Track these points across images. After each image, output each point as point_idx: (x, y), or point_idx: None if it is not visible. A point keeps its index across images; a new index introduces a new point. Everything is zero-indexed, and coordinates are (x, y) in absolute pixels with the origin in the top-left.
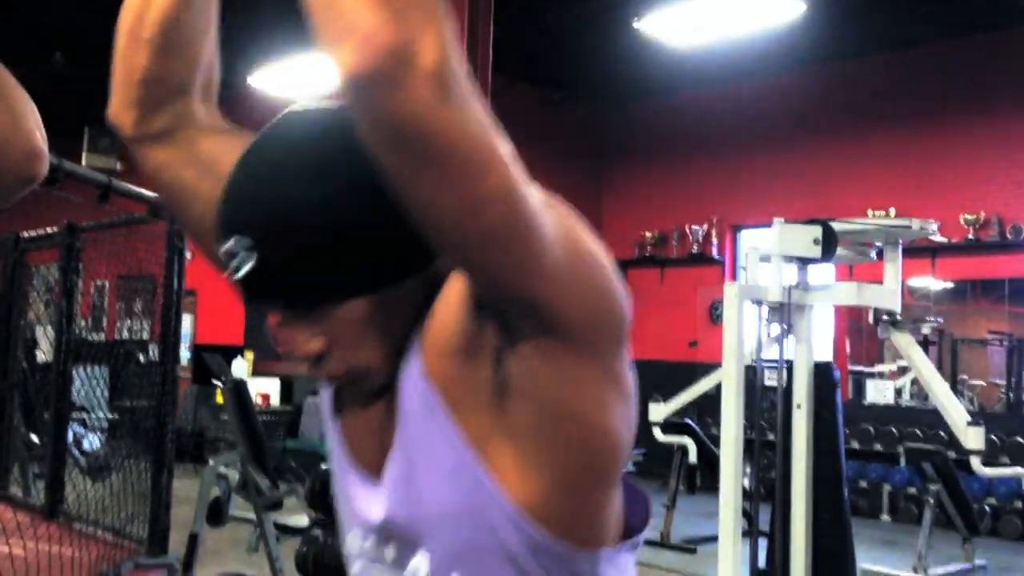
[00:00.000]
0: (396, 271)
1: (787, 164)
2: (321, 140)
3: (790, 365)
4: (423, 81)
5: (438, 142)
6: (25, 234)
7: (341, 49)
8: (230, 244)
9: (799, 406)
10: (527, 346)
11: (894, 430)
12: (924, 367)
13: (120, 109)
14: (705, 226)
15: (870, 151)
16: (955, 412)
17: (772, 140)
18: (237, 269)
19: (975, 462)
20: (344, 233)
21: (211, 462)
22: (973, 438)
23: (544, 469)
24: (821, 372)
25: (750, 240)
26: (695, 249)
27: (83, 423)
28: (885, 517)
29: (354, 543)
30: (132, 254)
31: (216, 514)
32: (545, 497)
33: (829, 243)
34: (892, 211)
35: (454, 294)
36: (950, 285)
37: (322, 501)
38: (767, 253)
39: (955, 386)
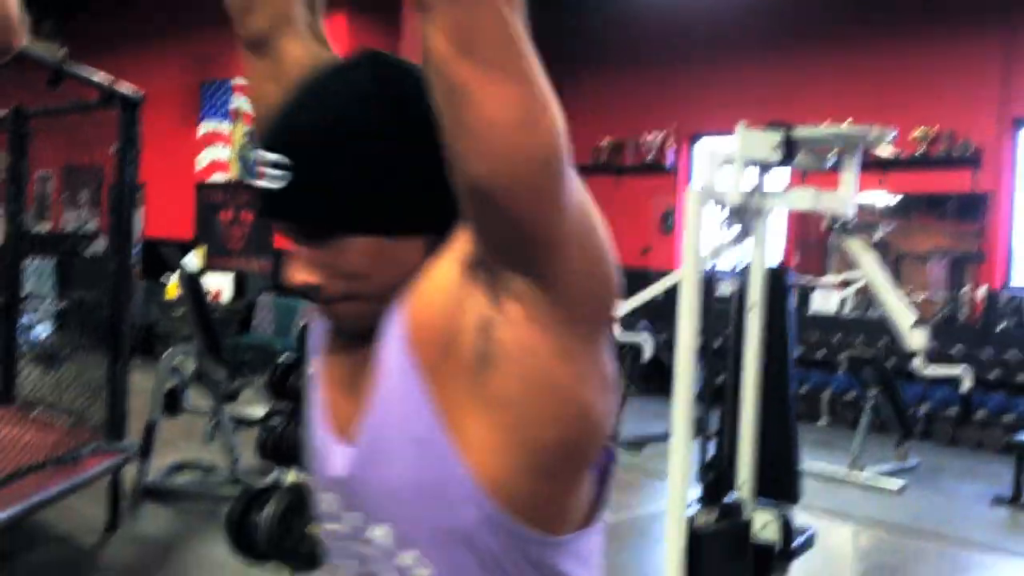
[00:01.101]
0: (413, 222)
1: (744, 75)
2: (380, 83)
3: (745, 269)
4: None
5: (512, 47)
6: None
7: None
8: (266, 156)
9: (752, 307)
10: (518, 311)
11: (835, 340)
12: (874, 272)
13: (231, 10)
14: (662, 134)
15: (826, 64)
16: (901, 314)
17: (730, 50)
18: (267, 180)
19: (918, 361)
20: (375, 172)
21: (166, 354)
22: (917, 338)
23: (516, 447)
24: (775, 276)
25: (708, 147)
26: (650, 158)
27: (33, 312)
28: (823, 422)
29: (322, 505)
30: (81, 144)
31: (172, 404)
32: (512, 476)
33: (790, 148)
34: (847, 123)
35: (448, 259)
36: (897, 200)
37: (282, 388)
38: (729, 157)
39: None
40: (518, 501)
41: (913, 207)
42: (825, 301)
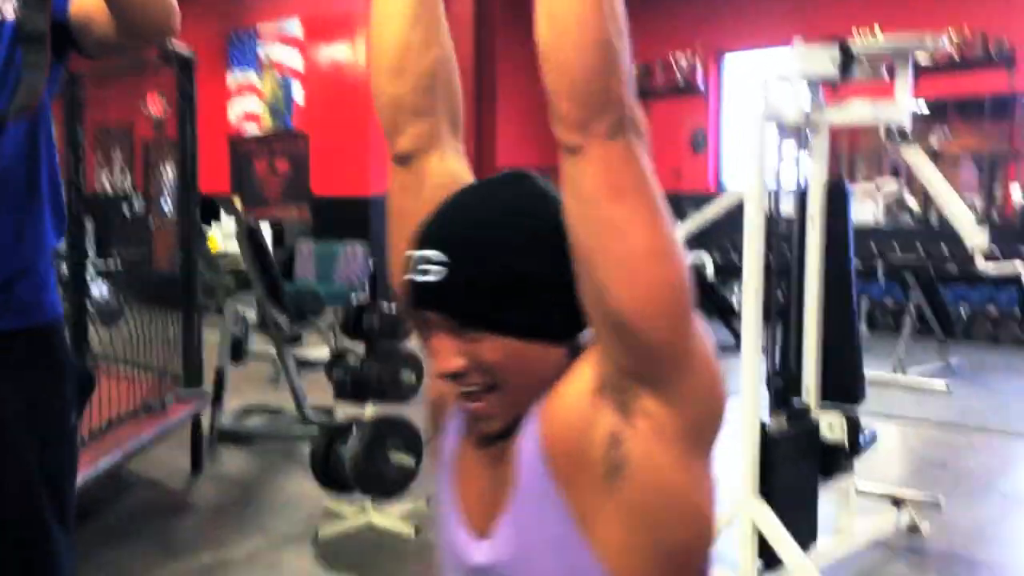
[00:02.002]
0: (550, 330)
1: None
2: (527, 200)
3: (803, 186)
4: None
5: (649, 185)
6: None
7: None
8: (424, 253)
9: (813, 220)
10: (646, 426)
11: (871, 249)
12: (934, 176)
13: (385, 131)
14: (690, 55)
15: None
16: (961, 213)
17: None
18: (422, 274)
19: (979, 259)
20: (522, 279)
21: (228, 303)
22: (980, 237)
23: (646, 548)
24: (834, 188)
25: (737, 65)
26: (680, 81)
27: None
28: (863, 329)
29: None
30: (112, 104)
31: (236, 352)
32: (638, 574)
33: (847, 62)
34: (876, 27)
35: (579, 377)
36: (931, 105)
37: (357, 329)
38: (785, 75)
39: (927, 201)
40: None
41: (946, 111)
42: (857, 211)
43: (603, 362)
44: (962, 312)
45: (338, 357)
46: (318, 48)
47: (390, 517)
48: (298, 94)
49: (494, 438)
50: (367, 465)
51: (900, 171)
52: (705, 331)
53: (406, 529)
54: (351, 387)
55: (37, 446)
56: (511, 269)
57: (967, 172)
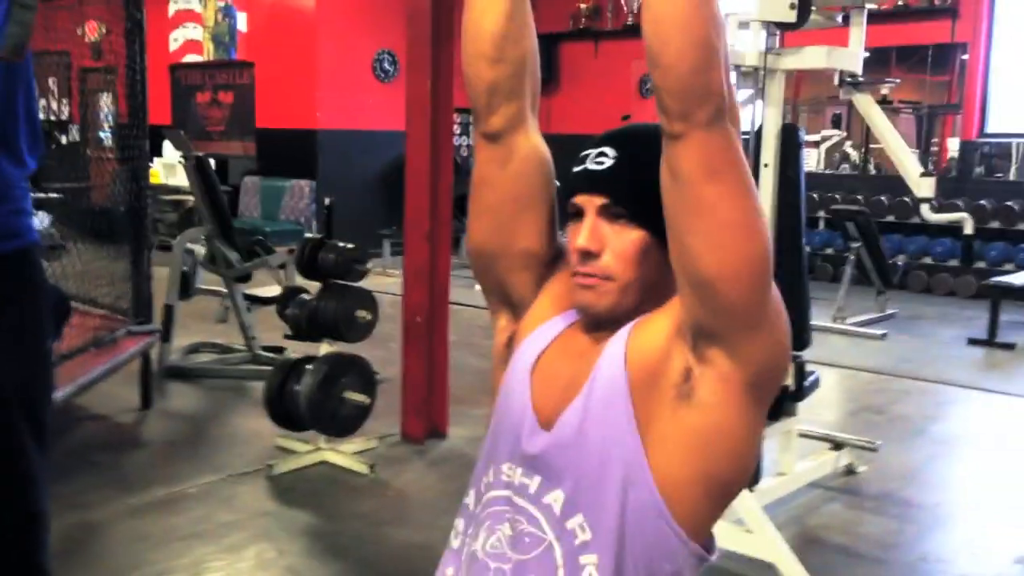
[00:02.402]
0: None
1: None
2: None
3: (757, 130)
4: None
5: (740, 166)
6: None
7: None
8: (601, 148)
9: (766, 165)
10: (713, 372)
11: (815, 195)
12: (884, 126)
13: (477, 110)
14: None
15: None
16: (910, 164)
17: None
18: (598, 164)
19: (924, 208)
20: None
21: (178, 238)
22: (926, 187)
23: (686, 465)
24: (787, 133)
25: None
26: (630, 20)
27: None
28: None
29: (499, 475)
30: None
31: (185, 288)
32: (676, 483)
33: (804, 8)
34: None
35: (668, 313)
36: (873, 52)
37: (312, 266)
38: (745, 19)
39: (867, 152)
40: (680, 505)
41: (887, 59)
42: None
43: (684, 311)
44: (898, 262)
45: (291, 295)
46: None
47: (344, 455)
48: (243, 23)
49: (592, 327)
50: (321, 402)
51: (841, 121)
52: (780, 303)
53: (360, 466)
54: (306, 325)
55: (15, 367)
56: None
57: (906, 123)
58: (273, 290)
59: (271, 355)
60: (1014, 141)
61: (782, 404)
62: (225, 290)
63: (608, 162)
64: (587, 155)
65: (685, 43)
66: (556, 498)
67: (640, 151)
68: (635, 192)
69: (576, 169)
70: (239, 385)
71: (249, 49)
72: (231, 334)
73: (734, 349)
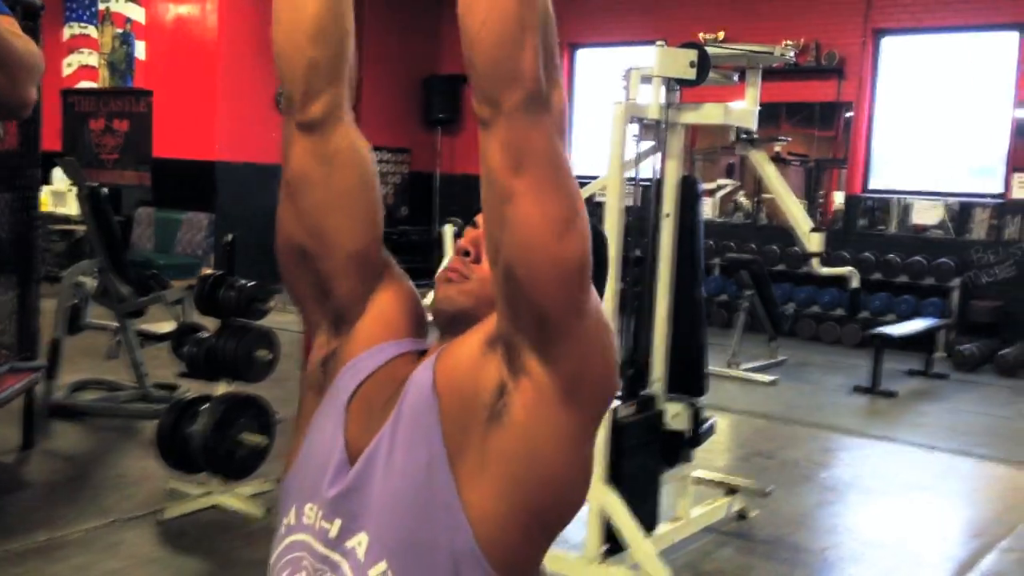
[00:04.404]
0: None
1: None
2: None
3: (658, 181)
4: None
5: (553, 164)
6: None
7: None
8: None
9: (667, 214)
10: (528, 385)
11: (710, 243)
12: (776, 181)
13: (292, 97)
14: None
15: None
16: (802, 220)
17: None
18: None
19: (815, 262)
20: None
21: (68, 271)
22: (816, 242)
23: (503, 499)
24: (687, 184)
25: (589, 60)
26: None
27: None
28: None
29: (298, 517)
30: None
31: (74, 323)
32: (493, 522)
33: (703, 66)
34: (721, 34)
35: (482, 326)
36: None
37: (211, 302)
38: (648, 74)
39: (759, 202)
40: (494, 544)
41: (778, 115)
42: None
43: (499, 317)
44: (788, 311)
45: (187, 332)
46: (162, 1)
47: (239, 498)
48: (141, 50)
49: (448, 325)
50: (217, 444)
51: (735, 171)
52: (602, 312)
53: (255, 510)
54: (203, 363)
55: None
56: None
57: (795, 174)
58: (167, 326)
59: (163, 393)
60: (894, 197)
61: (679, 450)
62: (116, 325)
63: None
64: None
65: (491, 13)
66: (360, 541)
67: None
68: None
69: None
70: (128, 425)
71: (147, 77)
72: (121, 371)
73: (546, 354)
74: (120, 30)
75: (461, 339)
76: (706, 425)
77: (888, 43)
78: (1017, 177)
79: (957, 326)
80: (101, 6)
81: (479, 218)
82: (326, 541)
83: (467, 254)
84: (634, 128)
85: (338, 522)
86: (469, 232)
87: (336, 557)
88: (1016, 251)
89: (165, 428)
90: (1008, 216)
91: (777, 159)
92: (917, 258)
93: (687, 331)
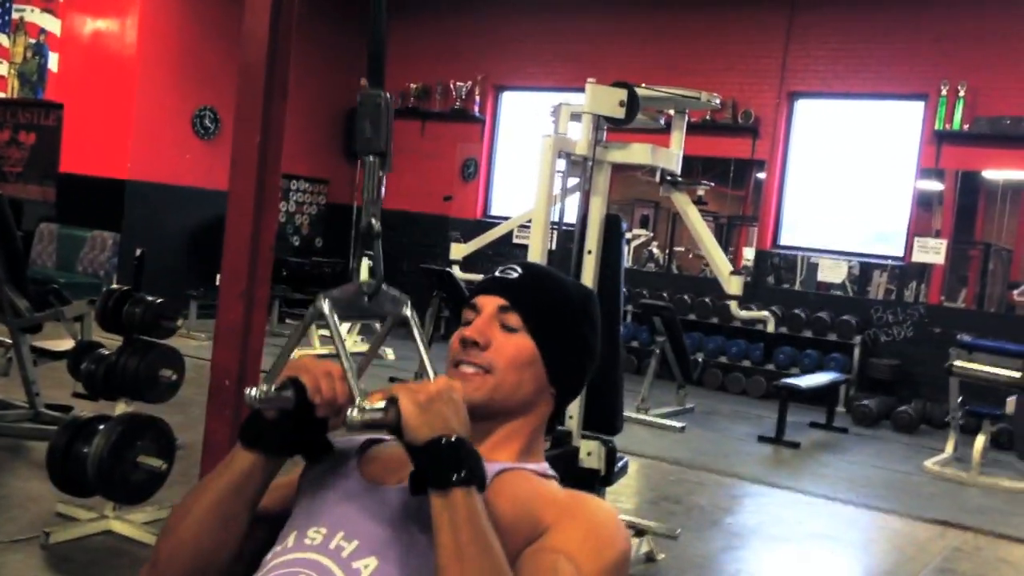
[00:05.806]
0: (558, 367)
1: (550, 33)
2: (590, 296)
3: (582, 218)
4: None
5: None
6: None
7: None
8: (512, 265)
9: (590, 251)
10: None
11: (624, 290)
12: (698, 224)
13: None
14: (469, 83)
15: (625, 30)
16: (722, 262)
17: (538, 10)
18: (506, 275)
19: (733, 305)
20: (573, 319)
21: None
22: (735, 285)
23: None
24: (611, 223)
25: (513, 101)
26: (458, 105)
27: None
28: None
29: (304, 539)
30: None
31: None
32: None
33: (633, 106)
34: (643, 86)
35: (557, 494)
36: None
37: (115, 319)
38: (578, 111)
39: (672, 252)
40: None
41: (695, 170)
42: None
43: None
44: (698, 359)
45: (87, 349)
46: (79, 14)
47: (132, 524)
48: (54, 62)
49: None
50: (112, 467)
51: (649, 222)
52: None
53: (149, 537)
54: (102, 382)
55: None
56: (569, 306)
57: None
58: (65, 344)
59: (56, 414)
60: (799, 254)
61: (592, 488)
62: (9, 340)
63: (515, 275)
64: (496, 269)
65: None
66: (367, 564)
67: (545, 277)
68: (534, 303)
69: (483, 277)
70: (17, 444)
71: (59, 90)
72: (12, 389)
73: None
74: (33, 40)
75: (535, 481)
76: (619, 465)
77: (802, 105)
78: (918, 242)
79: (857, 382)
80: (15, 15)
81: (479, 300)
82: (334, 556)
83: (475, 345)
84: (561, 164)
85: (355, 542)
86: (468, 315)
87: (332, 567)
88: (914, 312)
89: (58, 447)
90: (908, 279)
91: (699, 205)
92: (821, 314)
93: (604, 369)
